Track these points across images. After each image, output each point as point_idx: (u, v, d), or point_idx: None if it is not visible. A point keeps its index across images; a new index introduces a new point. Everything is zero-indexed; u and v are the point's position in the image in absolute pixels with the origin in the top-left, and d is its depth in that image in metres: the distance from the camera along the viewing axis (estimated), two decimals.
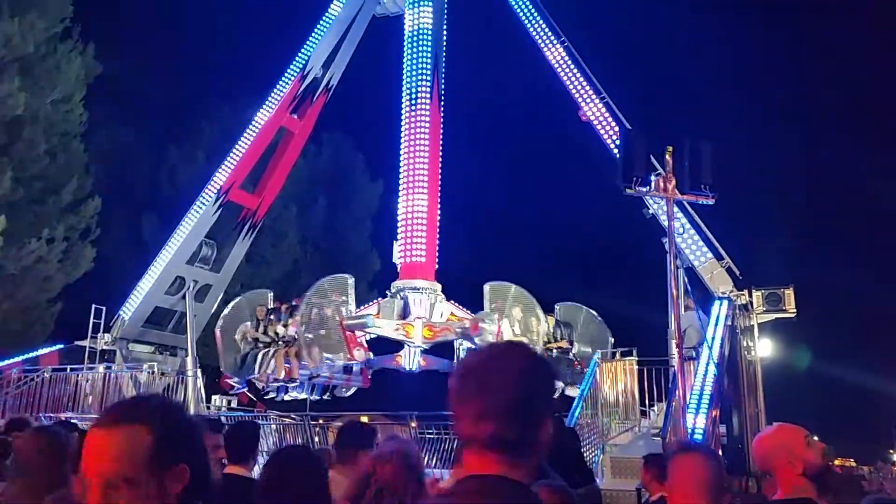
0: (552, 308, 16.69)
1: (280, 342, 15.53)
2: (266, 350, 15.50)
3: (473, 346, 14.96)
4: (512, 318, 15.56)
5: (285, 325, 15.55)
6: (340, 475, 4.08)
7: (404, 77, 17.76)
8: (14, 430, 7.15)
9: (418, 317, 15.48)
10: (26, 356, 17.70)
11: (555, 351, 15.64)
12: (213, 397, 18.36)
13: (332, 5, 20.84)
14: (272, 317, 15.89)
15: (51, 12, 21.57)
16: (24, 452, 3.52)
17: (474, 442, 1.66)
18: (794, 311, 14.66)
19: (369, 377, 17.36)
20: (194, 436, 1.74)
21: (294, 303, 16.03)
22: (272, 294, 17.17)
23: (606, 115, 16.62)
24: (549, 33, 17.84)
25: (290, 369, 15.28)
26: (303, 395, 16.63)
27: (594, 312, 16.72)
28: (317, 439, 14.00)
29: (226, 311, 17.22)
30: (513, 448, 1.64)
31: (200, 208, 19.54)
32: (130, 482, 1.60)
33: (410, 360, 16.03)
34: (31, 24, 20.71)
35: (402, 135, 17.34)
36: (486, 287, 15.90)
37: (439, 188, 17.44)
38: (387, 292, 16.84)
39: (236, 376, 16.10)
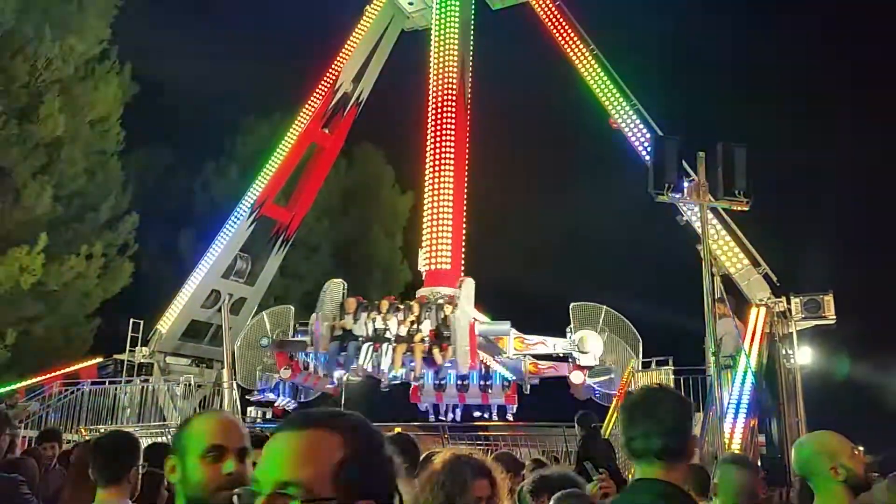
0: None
1: (394, 337, 14.62)
2: (370, 343, 14.54)
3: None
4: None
5: (415, 322, 14.67)
6: None
7: (430, 87, 17.85)
8: (46, 442, 7.32)
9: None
10: (66, 370, 18.08)
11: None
12: (249, 409, 18.53)
13: (362, 21, 21.09)
14: (375, 312, 14.91)
15: (89, 35, 22.13)
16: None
17: (646, 454, 2.38)
18: (834, 317, 14.34)
19: (526, 392, 15.90)
20: (389, 470, 1.42)
21: (392, 300, 15.38)
22: (293, 310, 16.93)
23: (637, 121, 16.51)
24: (578, 41, 17.82)
25: (414, 367, 14.57)
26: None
27: (615, 312, 16.16)
28: None
29: (249, 324, 17.50)
30: (671, 457, 2.37)
31: (235, 223, 19.84)
32: (306, 492, 1.29)
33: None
34: (70, 47, 21.29)
35: (428, 144, 17.40)
36: (572, 306, 15.37)
37: (465, 196, 17.43)
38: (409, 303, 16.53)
39: (325, 370, 15.49)
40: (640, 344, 15.77)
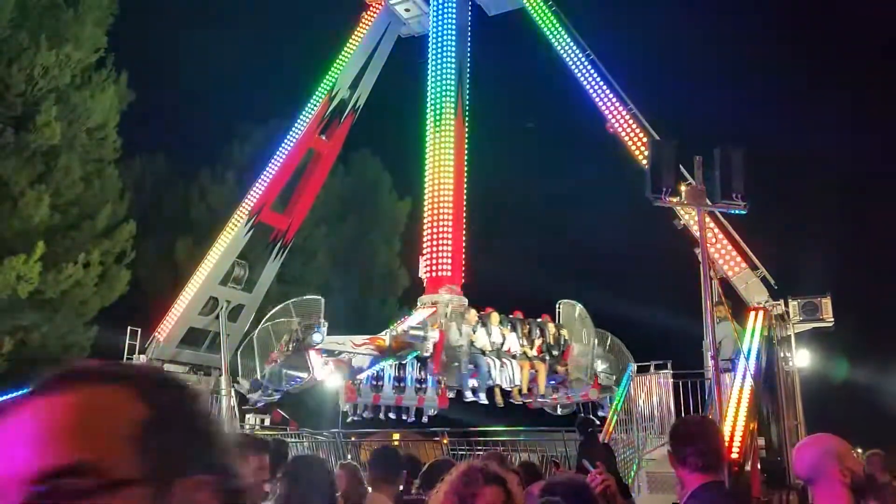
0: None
1: (519, 353, 14.75)
2: (497, 360, 14.47)
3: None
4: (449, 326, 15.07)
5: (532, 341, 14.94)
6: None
7: (428, 95, 17.88)
8: None
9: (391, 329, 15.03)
10: None
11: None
12: (247, 416, 18.49)
13: (358, 27, 21.13)
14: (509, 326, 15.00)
15: (86, 44, 22.12)
16: None
17: (703, 467, 3.13)
18: (832, 320, 14.36)
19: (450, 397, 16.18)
20: (217, 436, 0.96)
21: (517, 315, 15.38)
22: (323, 301, 16.26)
23: (634, 125, 16.54)
24: (574, 46, 17.87)
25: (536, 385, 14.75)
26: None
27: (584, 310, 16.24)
28: (349, 456, 14.01)
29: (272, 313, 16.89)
30: (716, 468, 3.18)
31: (232, 230, 19.82)
32: (96, 473, 0.81)
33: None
34: (67, 55, 21.28)
35: (427, 150, 17.42)
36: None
37: (464, 202, 17.45)
38: (413, 309, 16.74)
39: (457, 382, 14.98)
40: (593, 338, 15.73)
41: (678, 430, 3.46)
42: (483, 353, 14.35)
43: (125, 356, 18.27)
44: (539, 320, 15.49)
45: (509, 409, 16.02)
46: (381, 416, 15.21)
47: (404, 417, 15.27)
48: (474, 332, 14.48)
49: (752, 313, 13.52)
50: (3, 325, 19.74)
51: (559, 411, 16.14)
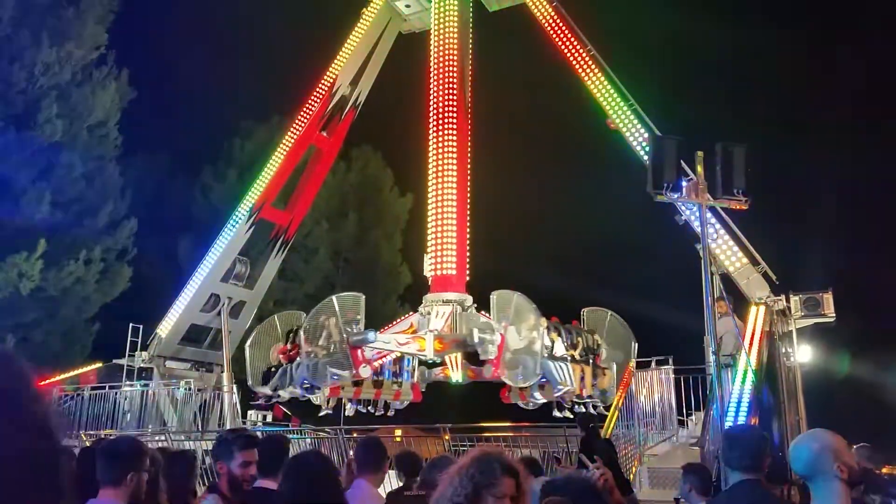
0: (578, 314, 16.57)
1: (570, 357, 15.04)
2: (562, 363, 14.81)
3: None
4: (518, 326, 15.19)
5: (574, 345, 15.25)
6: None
7: (431, 92, 17.84)
8: None
9: (431, 329, 15.33)
10: (66, 375, 18.06)
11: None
12: (249, 412, 18.52)
13: (359, 24, 21.11)
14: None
15: (87, 41, 22.16)
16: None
17: (746, 468, 3.73)
18: (833, 315, 14.34)
19: (422, 391, 17.14)
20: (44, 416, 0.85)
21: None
22: (363, 298, 16.15)
23: (635, 121, 16.51)
24: (575, 42, 17.83)
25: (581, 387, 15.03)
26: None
27: (619, 317, 16.56)
28: (351, 453, 14.01)
29: (258, 328, 17.42)
30: (758, 469, 3.76)
31: (233, 226, 19.84)
32: None
33: (457, 372, 15.96)
34: (68, 53, 21.31)
35: (430, 149, 17.39)
36: (493, 296, 15.34)
37: (468, 199, 17.46)
38: (420, 309, 16.80)
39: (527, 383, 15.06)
40: (633, 339, 15.97)
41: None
42: (552, 358, 14.64)
43: (127, 353, 18.30)
44: (572, 325, 15.78)
45: (510, 405, 16.15)
46: (361, 409, 16.22)
47: (371, 409, 16.29)
48: (546, 336, 14.72)
49: (754, 309, 13.52)
50: (6, 322, 19.80)
51: (531, 406, 16.21)
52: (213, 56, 31.87)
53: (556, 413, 16.02)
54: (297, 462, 3.66)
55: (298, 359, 15.48)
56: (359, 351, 14.57)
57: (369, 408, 16.53)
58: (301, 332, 15.43)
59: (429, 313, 16.00)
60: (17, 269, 19.01)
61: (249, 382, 16.71)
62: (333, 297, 15.64)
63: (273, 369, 16.17)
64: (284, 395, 16.05)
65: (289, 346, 16.08)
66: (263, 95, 31.25)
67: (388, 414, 16.80)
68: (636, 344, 16.04)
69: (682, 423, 13.05)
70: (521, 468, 2.83)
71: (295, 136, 20.55)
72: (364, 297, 15.76)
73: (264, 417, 18.35)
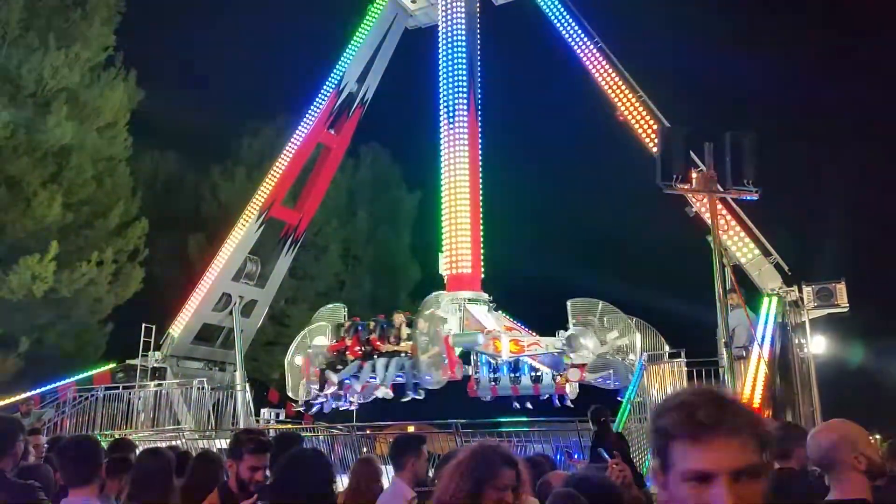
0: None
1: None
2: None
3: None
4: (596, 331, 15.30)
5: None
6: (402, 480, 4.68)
7: (441, 89, 17.77)
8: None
9: (492, 330, 15.25)
10: (80, 376, 18.19)
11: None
12: (262, 410, 18.60)
13: (365, 21, 21.09)
14: None
15: (94, 43, 22.21)
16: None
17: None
18: (847, 305, 14.22)
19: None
20: None
21: None
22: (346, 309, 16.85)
23: (644, 113, 16.42)
24: (583, 35, 17.73)
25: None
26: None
27: (611, 305, 16.31)
28: (364, 449, 14.05)
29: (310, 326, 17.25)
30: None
31: (244, 226, 19.90)
32: None
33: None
34: (76, 55, 21.37)
35: (442, 147, 17.34)
36: (569, 303, 15.48)
37: (481, 197, 17.44)
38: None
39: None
40: (639, 337, 15.80)
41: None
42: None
43: (140, 353, 18.40)
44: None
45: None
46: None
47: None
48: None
49: (766, 300, 13.44)
50: (20, 324, 19.93)
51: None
52: (219, 55, 31.92)
53: (516, 406, 15.94)
54: (287, 458, 3.66)
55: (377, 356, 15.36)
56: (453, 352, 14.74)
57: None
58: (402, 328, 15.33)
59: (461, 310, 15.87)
60: (29, 271, 19.12)
61: (288, 389, 16.66)
62: (435, 294, 15.72)
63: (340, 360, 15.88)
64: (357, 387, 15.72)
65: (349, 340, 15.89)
66: (271, 94, 31.32)
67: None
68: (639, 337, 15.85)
69: None
70: (520, 459, 2.82)
71: (303, 135, 20.58)
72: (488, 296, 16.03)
73: (277, 416, 18.43)
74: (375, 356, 15.42)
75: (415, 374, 14.96)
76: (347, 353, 15.71)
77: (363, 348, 15.60)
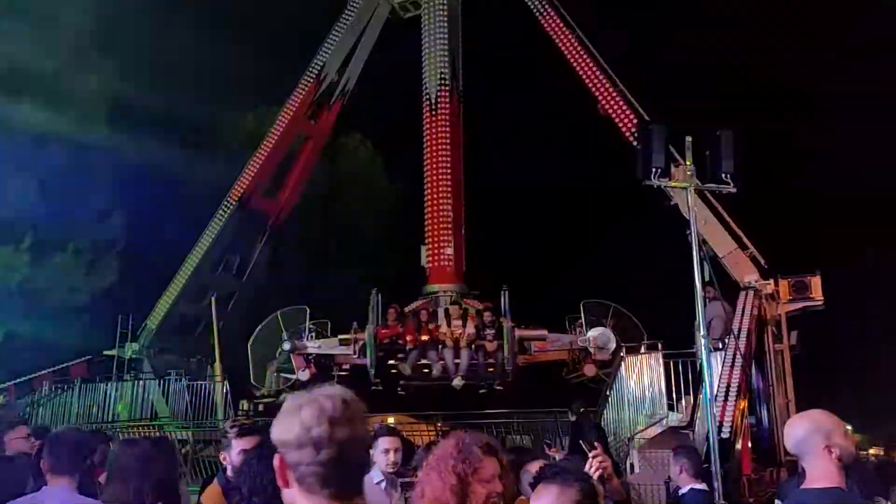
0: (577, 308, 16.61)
1: None
2: None
3: None
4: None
5: None
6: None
7: (424, 81, 17.72)
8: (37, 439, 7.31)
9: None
10: (56, 368, 17.97)
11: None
12: (241, 402, 18.49)
13: (346, 10, 20.93)
14: None
15: (71, 28, 21.89)
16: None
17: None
18: (822, 299, 14.41)
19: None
20: None
21: None
22: (308, 311, 16.72)
23: (624, 106, 16.48)
24: (563, 26, 17.73)
25: None
26: None
27: (622, 308, 16.71)
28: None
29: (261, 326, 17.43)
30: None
31: (222, 216, 19.73)
32: None
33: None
34: (53, 42, 21.05)
35: (425, 140, 17.33)
36: (583, 304, 16.04)
37: (463, 189, 17.45)
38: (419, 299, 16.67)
39: None
40: (645, 337, 16.00)
41: None
42: None
43: (117, 344, 18.22)
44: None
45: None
46: None
47: None
48: None
49: (743, 293, 13.58)
50: None
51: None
52: (198, 43, 31.51)
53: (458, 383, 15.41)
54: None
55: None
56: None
57: None
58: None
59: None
60: (4, 261, 18.86)
61: (252, 378, 16.68)
62: (278, 313, 16.56)
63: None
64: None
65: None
66: (251, 83, 30.97)
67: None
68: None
69: (671, 407, 13.13)
70: (497, 444, 2.80)
71: (283, 124, 20.42)
72: (308, 309, 16.40)
73: (256, 406, 18.33)
74: (440, 346, 14.86)
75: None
76: (400, 340, 14.98)
77: (419, 336, 14.91)
